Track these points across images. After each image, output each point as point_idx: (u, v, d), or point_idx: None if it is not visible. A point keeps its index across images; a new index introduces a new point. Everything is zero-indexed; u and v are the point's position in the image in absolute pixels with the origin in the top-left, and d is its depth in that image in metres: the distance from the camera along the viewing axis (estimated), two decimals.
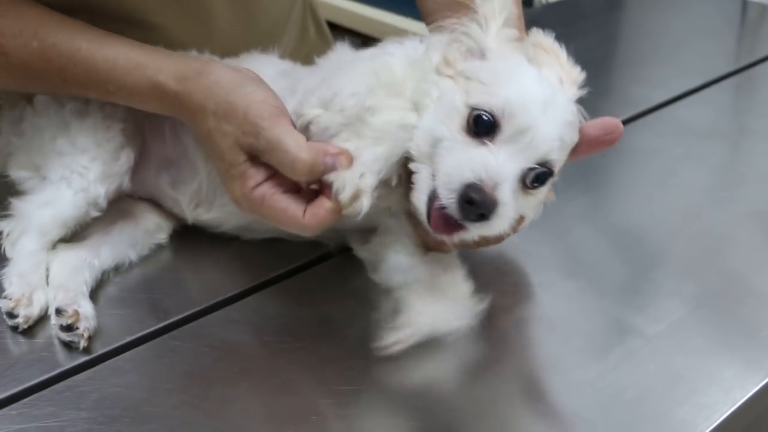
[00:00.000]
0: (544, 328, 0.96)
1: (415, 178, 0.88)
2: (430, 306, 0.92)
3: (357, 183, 0.86)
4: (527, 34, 0.96)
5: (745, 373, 0.90)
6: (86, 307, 0.92)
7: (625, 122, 1.38)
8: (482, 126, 0.85)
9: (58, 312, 0.91)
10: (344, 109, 0.88)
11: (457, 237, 0.86)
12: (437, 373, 0.91)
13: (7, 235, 0.99)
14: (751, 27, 1.79)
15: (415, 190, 0.88)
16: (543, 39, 0.95)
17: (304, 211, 0.87)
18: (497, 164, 0.84)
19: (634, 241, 1.11)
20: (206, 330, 0.94)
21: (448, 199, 0.83)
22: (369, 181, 0.86)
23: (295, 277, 1.02)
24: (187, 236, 1.06)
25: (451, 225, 0.85)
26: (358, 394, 0.87)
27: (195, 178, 1.03)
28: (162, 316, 0.95)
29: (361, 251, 1.01)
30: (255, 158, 0.89)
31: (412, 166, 0.89)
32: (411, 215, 0.94)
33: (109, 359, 0.89)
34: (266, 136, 0.87)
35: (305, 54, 1.34)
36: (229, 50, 1.11)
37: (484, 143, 0.85)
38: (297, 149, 0.86)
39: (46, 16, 0.98)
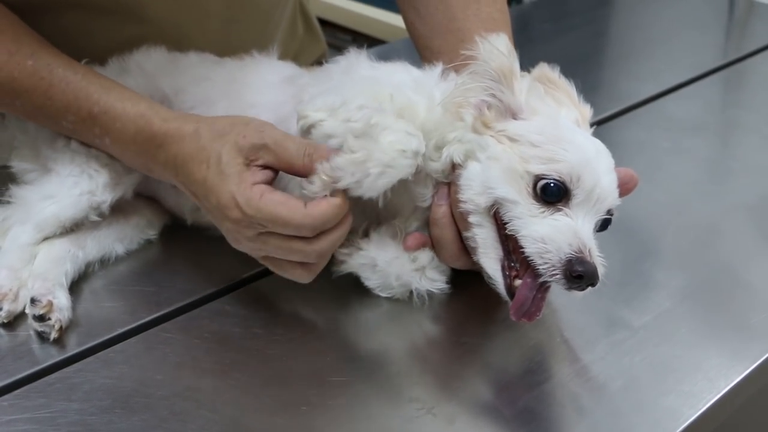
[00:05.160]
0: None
1: (476, 233, 0.90)
2: (390, 250, 0.94)
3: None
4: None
5: (730, 362, 0.91)
6: (61, 299, 0.92)
7: (614, 116, 1.39)
8: (552, 194, 0.87)
9: (33, 301, 0.91)
10: (350, 119, 0.89)
11: (539, 316, 0.88)
12: (424, 364, 0.92)
13: (1, 221, 0.99)
14: (739, 22, 1.80)
15: (481, 253, 0.91)
16: (550, 73, 0.97)
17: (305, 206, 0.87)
18: (584, 230, 0.87)
19: (622, 234, 1.11)
20: (197, 322, 0.94)
21: (552, 276, 0.85)
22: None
23: None
24: (179, 229, 1.07)
25: (536, 304, 0.87)
26: (348, 385, 0.87)
27: None
28: (153, 308, 0.95)
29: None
30: (251, 164, 0.89)
31: (470, 218, 0.90)
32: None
33: (100, 351, 0.90)
34: (271, 134, 0.89)
35: (294, 51, 1.35)
36: (221, 46, 1.11)
37: (559, 209, 0.87)
38: (299, 144, 0.88)
39: (46, 46, 0.98)
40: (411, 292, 0.96)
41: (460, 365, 0.91)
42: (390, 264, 0.95)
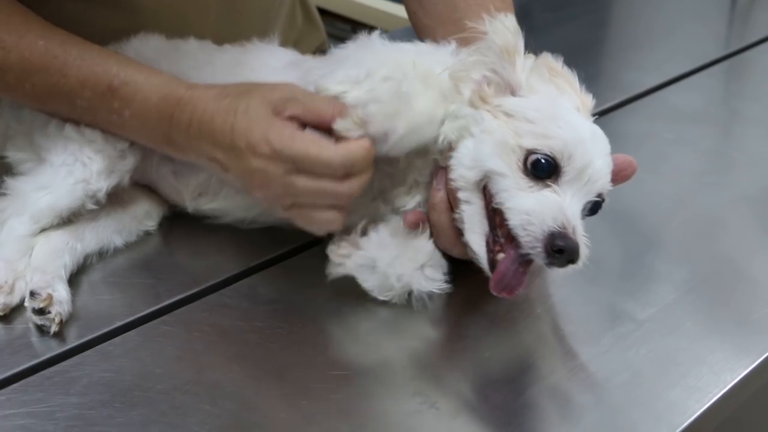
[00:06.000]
0: (535, 313, 0.96)
1: (463, 210, 0.90)
2: (391, 250, 0.93)
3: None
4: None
5: (736, 356, 0.91)
6: (61, 292, 0.91)
7: (616, 107, 1.38)
8: (541, 170, 0.87)
9: (32, 294, 0.89)
10: (374, 89, 0.88)
11: (519, 290, 0.88)
12: (428, 357, 0.91)
13: None
14: (742, 12, 1.78)
15: (467, 228, 0.90)
16: (553, 62, 0.96)
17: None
18: (570, 208, 0.86)
19: (626, 226, 1.11)
20: (197, 315, 0.93)
21: (533, 248, 0.85)
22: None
23: (286, 262, 1.01)
24: (178, 220, 1.05)
25: (518, 278, 0.87)
26: (349, 378, 0.86)
27: (202, 169, 1.00)
28: (152, 300, 0.94)
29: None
30: (279, 114, 0.89)
31: (459, 194, 0.90)
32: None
33: (98, 344, 0.89)
34: (300, 90, 0.91)
35: (294, 40, 1.34)
36: (219, 36, 1.10)
37: (548, 185, 0.87)
38: (329, 99, 0.89)
39: (56, 28, 0.97)
40: (409, 295, 0.95)
41: (463, 359, 0.90)
42: (391, 264, 0.93)
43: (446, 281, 0.95)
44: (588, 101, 0.96)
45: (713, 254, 1.07)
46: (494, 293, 0.88)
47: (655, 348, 0.91)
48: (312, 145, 0.86)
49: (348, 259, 0.94)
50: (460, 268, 0.96)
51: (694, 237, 1.10)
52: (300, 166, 0.86)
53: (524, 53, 0.93)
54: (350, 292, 0.95)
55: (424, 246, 0.95)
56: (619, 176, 0.93)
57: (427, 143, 0.91)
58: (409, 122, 0.87)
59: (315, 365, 0.87)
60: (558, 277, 1.00)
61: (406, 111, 0.87)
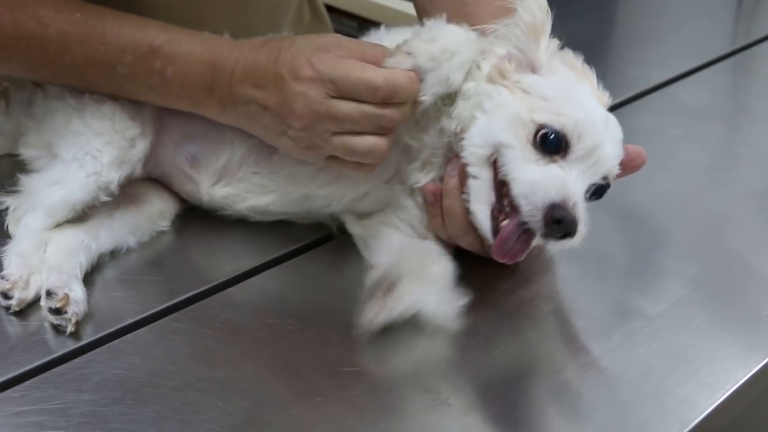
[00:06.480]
0: (545, 310, 0.96)
1: (471, 184, 0.91)
2: (414, 288, 0.91)
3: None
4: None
5: (747, 352, 0.91)
6: (77, 291, 0.91)
7: (623, 103, 1.38)
8: (550, 145, 0.88)
9: (49, 294, 0.89)
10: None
11: (521, 257, 0.89)
12: (440, 354, 0.91)
13: (13, 210, 0.98)
14: (748, 7, 1.78)
15: (472, 199, 0.91)
16: (572, 58, 0.98)
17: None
18: (574, 185, 0.88)
19: (635, 222, 1.11)
20: (208, 312, 0.93)
21: (532, 216, 0.86)
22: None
23: (297, 259, 1.01)
24: (190, 218, 1.05)
25: (520, 245, 0.88)
26: (361, 375, 0.87)
27: (224, 150, 1.01)
28: (164, 297, 0.94)
29: (355, 226, 1.01)
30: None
31: (469, 169, 0.91)
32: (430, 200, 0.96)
33: (110, 341, 0.89)
34: (345, 38, 0.94)
35: None
36: (229, 32, 1.10)
37: (554, 161, 0.88)
38: (372, 44, 0.94)
39: (89, 3, 0.98)
40: None
41: (475, 356, 0.90)
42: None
43: (461, 300, 0.93)
44: (604, 98, 0.97)
45: (722, 250, 1.07)
46: (496, 258, 0.89)
47: (665, 344, 0.91)
48: (355, 67, 0.89)
49: (378, 318, 0.90)
50: (470, 264, 0.96)
51: (703, 233, 1.10)
52: (342, 88, 0.88)
53: (550, 36, 0.94)
54: (361, 288, 0.95)
55: (441, 275, 0.93)
56: (628, 166, 0.94)
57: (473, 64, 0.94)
58: (448, 42, 0.91)
59: (327, 362, 0.87)
60: (568, 274, 1.00)
61: (441, 36, 0.91)
